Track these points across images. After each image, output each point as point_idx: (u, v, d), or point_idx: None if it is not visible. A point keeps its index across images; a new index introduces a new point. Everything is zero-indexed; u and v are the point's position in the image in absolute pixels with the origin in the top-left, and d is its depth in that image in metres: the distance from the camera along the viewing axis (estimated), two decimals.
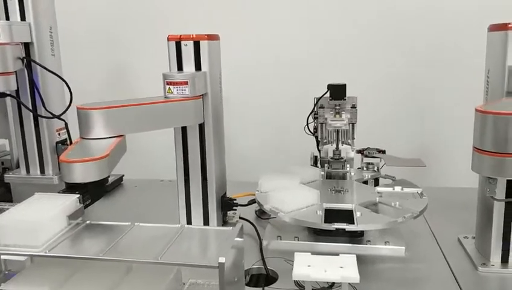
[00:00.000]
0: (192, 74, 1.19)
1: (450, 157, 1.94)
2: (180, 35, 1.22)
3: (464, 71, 1.89)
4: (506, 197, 1.04)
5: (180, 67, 1.25)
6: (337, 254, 1.00)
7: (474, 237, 1.23)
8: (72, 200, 0.90)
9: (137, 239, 0.82)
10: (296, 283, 1.05)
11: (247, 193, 1.48)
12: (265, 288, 1.06)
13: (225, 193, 1.41)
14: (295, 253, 1.01)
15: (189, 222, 1.35)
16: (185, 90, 1.18)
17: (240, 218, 1.43)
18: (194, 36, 1.22)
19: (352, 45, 1.99)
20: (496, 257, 1.10)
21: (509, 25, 0.98)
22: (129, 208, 1.64)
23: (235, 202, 1.40)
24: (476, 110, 0.91)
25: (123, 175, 1.94)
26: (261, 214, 1.48)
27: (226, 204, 1.39)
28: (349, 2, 1.97)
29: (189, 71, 1.23)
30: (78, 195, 0.94)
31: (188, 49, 1.23)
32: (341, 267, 0.95)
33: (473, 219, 1.28)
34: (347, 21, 1.98)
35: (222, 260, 0.67)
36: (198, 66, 1.24)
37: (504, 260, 1.10)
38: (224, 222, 1.42)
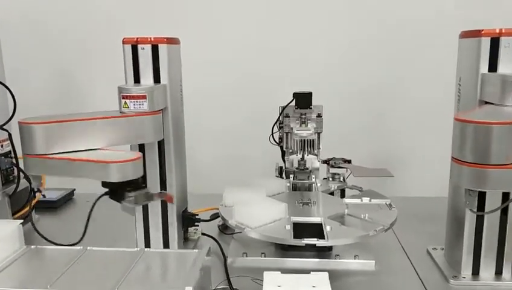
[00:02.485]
0: (151, 87, 1.10)
1: (415, 166, 1.95)
2: (137, 38, 1.13)
3: (429, 82, 1.92)
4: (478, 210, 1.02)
5: (136, 76, 1.15)
6: (307, 271, 0.94)
7: (443, 249, 1.21)
8: (13, 226, 0.78)
9: (90, 267, 0.72)
10: None
11: (210, 208, 1.40)
12: None
13: (186, 208, 1.32)
14: (264, 273, 0.94)
15: (147, 240, 1.25)
16: (142, 104, 1.08)
17: (203, 234, 1.34)
18: (152, 39, 1.13)
19: (317, 53, 1.96)
20: (467, 269, 1.08)
21: (483, 32, 0.97)
22: (81, 226, 1.51)
23: (197, 217, 1.31)
24: (456, 119, 0.88)
25: (74, 189, 1.80)
26: (225, 228, 1.40)
27: (188, 220, 1.30)
28: (318, 11, 1.95)
29: (147, 84, 1.14)
30: (21, 221, 0.86)
31: (145, 53, 1.14)
32: (313, 286, 0.89)
33: (441, 229, 1.26)
34: (313, 30, 1.95)
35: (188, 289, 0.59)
36: (157, 75, 1.15)
37: (475, 272, 1.08)
38: (185, 238, 1.32)
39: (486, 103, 0.97)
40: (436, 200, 1.64)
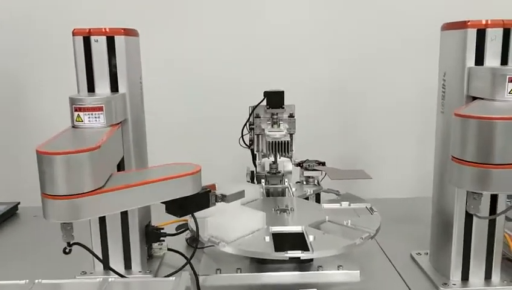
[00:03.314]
0: (108, 98, 0.96)
1: (388, 167, 1.90)
2: (89, 29, 0.99)
3: (401, 82, 1.87)
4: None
5: (90, 75, 1.01)
6: (290, 287, 0.84)
7: (427, 253, 1.15)
8: None
9: None
10: None
11: (177, 220, 1.26)
12: None
13: (150, 222, 1.18)
14: None
15: (105, 259, 1.09)
16: (98, 117, 0.94)
17: (169, 249, 1.20)
18: (108, 30, 0.99)
19: (290, 51, 1.86)
20: (455, 275, 1.02)
21: (469, 23, 0.91)
22: (26, 246, 1.33)
23: (162, 231, 1.17)
24: (456, 114, 0.81)
25: (19, 203, 1.60)
26: (193, 241, 1.27)
27: (152, 235, 1.16)
28: (289, 7, 1.85)
29: (103, 93, 1.00)
30: None
31: (99, 47, 1.00)
32: None
33: (422, 232, 1.21)
34: (284, 28, 1.85)
35: None
36: (113, 75, 1.01)
37: (464, 278, 1.02)
38: (149, 255, 1.18)
39: (474, 98, 0.91)
40: (413, 201, 1.61)
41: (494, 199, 0.96)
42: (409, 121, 1.90)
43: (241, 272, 1.07)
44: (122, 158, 1.05)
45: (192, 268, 1.09)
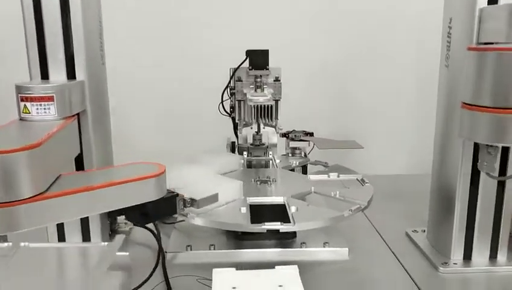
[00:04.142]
0: (61, 85, 0.82)
1: (379, 144, 1.77)
2: None
3: (394, 55, 1.74)
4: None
5: (43, 62, 0.87)
6: (270, 265, 0.71)
7: (425, 231, 1.03)
8: None
9: None
10: None
11: None
12: None
13: None
14: (213, 270, 0.71)
15: (60, 233, 0.96)
16: (49, 108, 0.81)
17: (135, 224, 1.07)
18: None
19: (279, 24, 1.71)
20: (457, 253, 0.90)
21: None
22: None
23: None
24: (470, 48, 0.68)
25: None
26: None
27: None
28: None
29: (58, 80, 0.87)
30: None
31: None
32: (280, 285, 0.67)
33: (419, 209, 1.09)
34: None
35: None
36: (70, 64, 0.88)
37: (467, 257, 0.90)
38: (112, 231, 1.05)
39: (487, 44, 0.78)
40: (407, 177, 1.49)
41: (504, 158, 0.82)
42: (405, 95, 1.77)
43: (214, 249, 0.94)
44: (82, 156, 0.92)
45: (160, 244, 0.96)
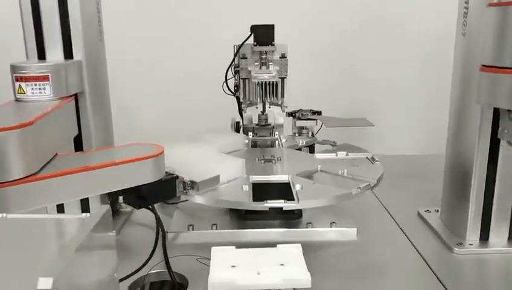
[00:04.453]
0: (56, 65, 0.80)
1: (388, 124, 1.71)
2: None
3: (404, 31, 1.67)
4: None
5: (39, 42, 0.84)
6: (272, 245, 0.67)
7: (438, 211, 0.98)
8: None
9: None
10: None
11: None
12: None
13: None
14: (212, 248, 0.67)
15: (60, 209, 0.93)
16: (44, 89, 0.79)
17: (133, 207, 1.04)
18: None
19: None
20: (473, 234, 0.85)
21: None
22: None
23: None
24: (491, 4, 0.62)
25: None
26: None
27: None
28: None
29: (52, 60, 0.84)
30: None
31: None
32: (281, 264, 0.63)
33: (432, 189, 1.04)
34: None
35: (45, 283, 0.30)
36: (67, 43, 0.84)
37: (483, 238, 0.85)
38: (114, 211, 1.02)
39: None
40: (419, 158, 1.44)
41: None
42: (417, 72, 1.70)
43: (216, 229, 0.90)
44: (81, 138, 0.89)
45: (161, 224, 0.93)
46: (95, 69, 0.92)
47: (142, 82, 1.66)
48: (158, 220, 0.85)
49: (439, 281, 0.75)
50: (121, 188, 0.73)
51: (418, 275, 0.78)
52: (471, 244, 0.84)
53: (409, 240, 0.89)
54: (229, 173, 0.89)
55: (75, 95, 0.86)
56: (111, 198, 1.01)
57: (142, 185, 0.74)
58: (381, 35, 1.68)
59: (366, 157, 1.03)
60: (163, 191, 0.79)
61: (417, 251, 0.85)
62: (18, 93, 0.79)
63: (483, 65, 0.64)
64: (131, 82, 1.61)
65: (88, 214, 0.41)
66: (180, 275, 0.78)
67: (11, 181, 0.60)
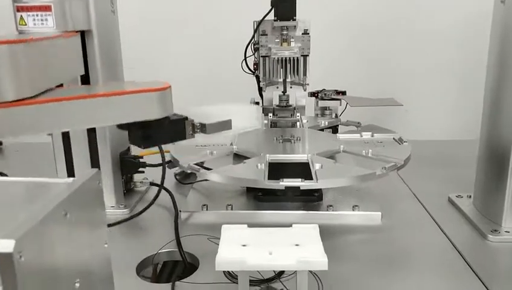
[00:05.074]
0: None
1: (418, 107, 1.62)
2: None
3: (436, 14, 1.57)
4: None
5: None
6: (288, 225, 0.62)
7: (470, 196, 0.90)
8: None
9: None
10: (227, 271, 0.67)
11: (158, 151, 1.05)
12: (178, 283, 0.67)
13: (128, 149, 0.99)
14: (222, 226, 0.63)
15: None
16: (46, 20, 0.75)
17: (151, 184, 1.01)
18: None
19: None
20: (510, 220, 0.78)
21: None
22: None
23: (141, 161, 0.98)
24: None
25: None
26: (184, 178, 1.08)
27: (128, 164, 0.96)
28: None
29: None
30: None
31: None
32: (296, 244, 0.58)
33: (463, 174, 0.97)
34: None
35: (6, 246, 0.26)
36: None
37: None
38: (128, 190, 1.00)
39: None
40: (449, 143, 1.35)
41: None
42: (448, 56, 1.60)
43: (232, 209, 0.86)
44: (89, 79, 0.85)
45: (174, 202, 0.90)
46: (104, 10, 0.86)
47: (152, 62, 1.62)
48: (173, 197, 0.82)
49: (472, 270, 0.69)
50: (122, 122, 0.65)
51: (448, 264, 0.71)
52: (508, 232, 0.77)
53: (439, 226, 0.82)
54: (243, 119, 0.81)
55: (82, 33, 0.82)
56: (125, 177, 0.99)
57: (148, 121, 0.65)
58: (414, 14, 1.59)
59: (393, 138, 0.97)
60: (170, 131, 0.70)
61: (447, 237, 0.79)
62: (19, 24, 0.76)
63: None
64: (141, 60, 1.57)
65: (72, 179, 0.37)
66: (191, 255, 0.74)
67: (1, 103, 0.55)
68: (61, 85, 0.76)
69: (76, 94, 0.61)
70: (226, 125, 0.74)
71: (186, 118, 0.71)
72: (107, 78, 0.88)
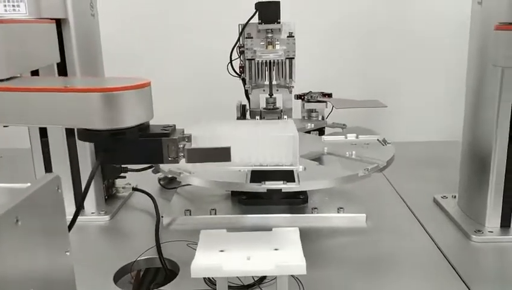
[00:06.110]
0: None
1: (405, 109, 1.62)
2: None
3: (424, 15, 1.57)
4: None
5: None
6: (269, 229, 0.61)
7: (455, 197, 0.90)
8: None
9: None
10: (207, 278, 0.65)
11: None
12: None
13: None
14: (201, 231, 0.62)
15: None
16: (18, 6, 0.74)
17: (134, 189, 1.00)
18: None
19: None
20: (493, 220, 0.77)
21: None
22: None
23: (123, 166, 0.96)
24: None
25: None
26: (168, 183, 1.06)
27: (110, 169, 0.95)
28: None
29: None
30: None
31: None
32: (275, 249, 0.57)
33: (448, 175, 0.97)
34: None
35: None
36: None
37: (505, 224, 0.77)
38: (109, 195, 0.98)
39: None
40: (435, 144, 1.35)
41: None
42: (434, 57, 1.60)
43: (215, 214, 0.85)
44: (66, 68, 0.83)
45: (156, 207, 0.89)
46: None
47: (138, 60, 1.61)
48: (155, 203, 0.80)
49: (455, 271, 0.68)
50: (70, 126, 0.55)
51: (432, 266, 0.70)
52: (491, 232, 0.76)
53: (423, 227, 0.82)
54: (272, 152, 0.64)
55: (58, 21, 0.80)
56: (106, 182, 0.98)
57: (117, 130, 0.50)
58: (401, 12, 1.59)
59: (378, 140, 0.96)
60: (145, 149, 0.52)
61: (432, 238, 0.78)
62: None
63: (500, 23, 0.56)
64: (126, 63, 1.56)
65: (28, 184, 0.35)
66: (171, 262, 0.73)
67: None
68: (37, 73, 0.75)
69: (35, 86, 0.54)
70: (222, 155, 0.54)
71: (167, 135, 0.53)
72: (85, 69, 0.86)
